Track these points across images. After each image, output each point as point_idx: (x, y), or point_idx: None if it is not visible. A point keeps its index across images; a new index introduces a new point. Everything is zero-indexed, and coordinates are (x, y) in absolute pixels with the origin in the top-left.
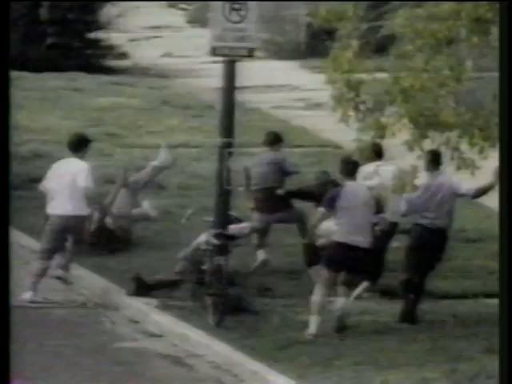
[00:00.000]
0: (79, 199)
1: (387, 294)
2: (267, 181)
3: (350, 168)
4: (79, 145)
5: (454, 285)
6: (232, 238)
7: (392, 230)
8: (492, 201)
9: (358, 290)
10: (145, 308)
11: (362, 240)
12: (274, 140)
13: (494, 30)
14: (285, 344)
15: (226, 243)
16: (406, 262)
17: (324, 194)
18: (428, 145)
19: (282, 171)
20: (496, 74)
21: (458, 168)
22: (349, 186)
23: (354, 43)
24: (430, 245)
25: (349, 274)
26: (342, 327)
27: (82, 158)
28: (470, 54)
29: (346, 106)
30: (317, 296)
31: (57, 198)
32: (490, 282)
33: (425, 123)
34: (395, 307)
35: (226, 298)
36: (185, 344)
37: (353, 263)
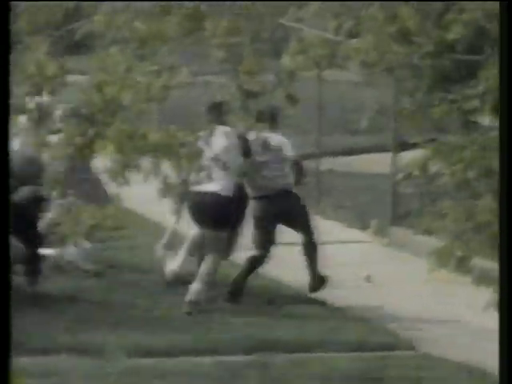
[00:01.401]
0: None
1: None
2: None
3: None
4: None
5: (156, 338)
6: None
7: None
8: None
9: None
10: None
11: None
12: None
13: (209, 26)
14: None
15: None
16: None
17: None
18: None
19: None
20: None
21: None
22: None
23: (44, 42)
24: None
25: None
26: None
27: None
28: (182, 55)
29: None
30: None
31: None
32: (198, 336)
33: (131, 146)
34: None
35: None
36: None
37: None
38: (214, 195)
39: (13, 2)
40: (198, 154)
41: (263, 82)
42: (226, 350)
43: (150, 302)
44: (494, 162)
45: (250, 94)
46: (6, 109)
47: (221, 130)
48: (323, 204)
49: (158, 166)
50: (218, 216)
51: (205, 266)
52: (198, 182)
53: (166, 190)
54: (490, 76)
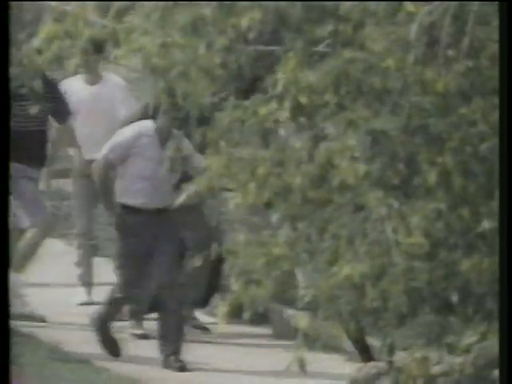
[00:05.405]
0: None
1: None
2: None
3: None
4: None
5: None
6: None
7: None
8: None
9: None
10: None
11: None
12: None
13: None
14: None
15: None
16: None
17: None
18: None
19: None
20: None
21: None
22: None
23: None
24: None
25: None
26: None
27: None
28: None
29: None
30: None
31: None
32: None
33: None
34: None
35: None
36: None
37: None
38: None
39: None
40: None
41: None
42: None
43: None
44: (294, 180)
45: None
46: (6, 108)
47: None
48: None
49: None
50: None
51: None
52: None
53: None
54: (287, 70)
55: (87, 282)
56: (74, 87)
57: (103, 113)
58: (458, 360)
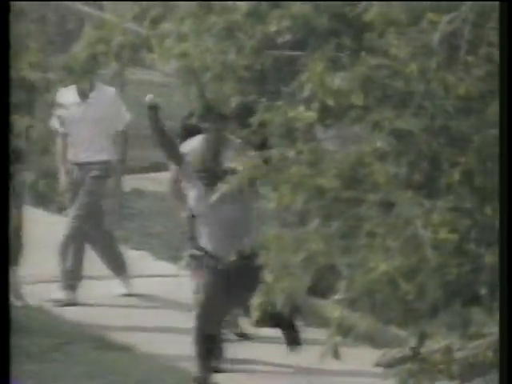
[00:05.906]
0: None
1: None
2: None
3: None
4: None
5: None
6: None
7: None
8: None
9: None
10: None
11: None
12: None
13: None
14: None
15: None
16: None
17: None
18: None
19: None
20: None
21: None
22: None
23: None
24: None
25: None
26: None
27: None
28: None
29: None
30: None
31: None
32: None
33: None
34: None
35: None
36: None
37: None
38: None
39: (13, 2)
40: None
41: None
42: None
43: None
44: (325, 181)
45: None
46: (7, 108)
47: None
48: (126, 230)
49: None
50: None
51: None
52: None
53: None
54: (315, 74)
55: (68, 273)
56: (68, 97)
57: (95, 121)
58: (474, 344)
